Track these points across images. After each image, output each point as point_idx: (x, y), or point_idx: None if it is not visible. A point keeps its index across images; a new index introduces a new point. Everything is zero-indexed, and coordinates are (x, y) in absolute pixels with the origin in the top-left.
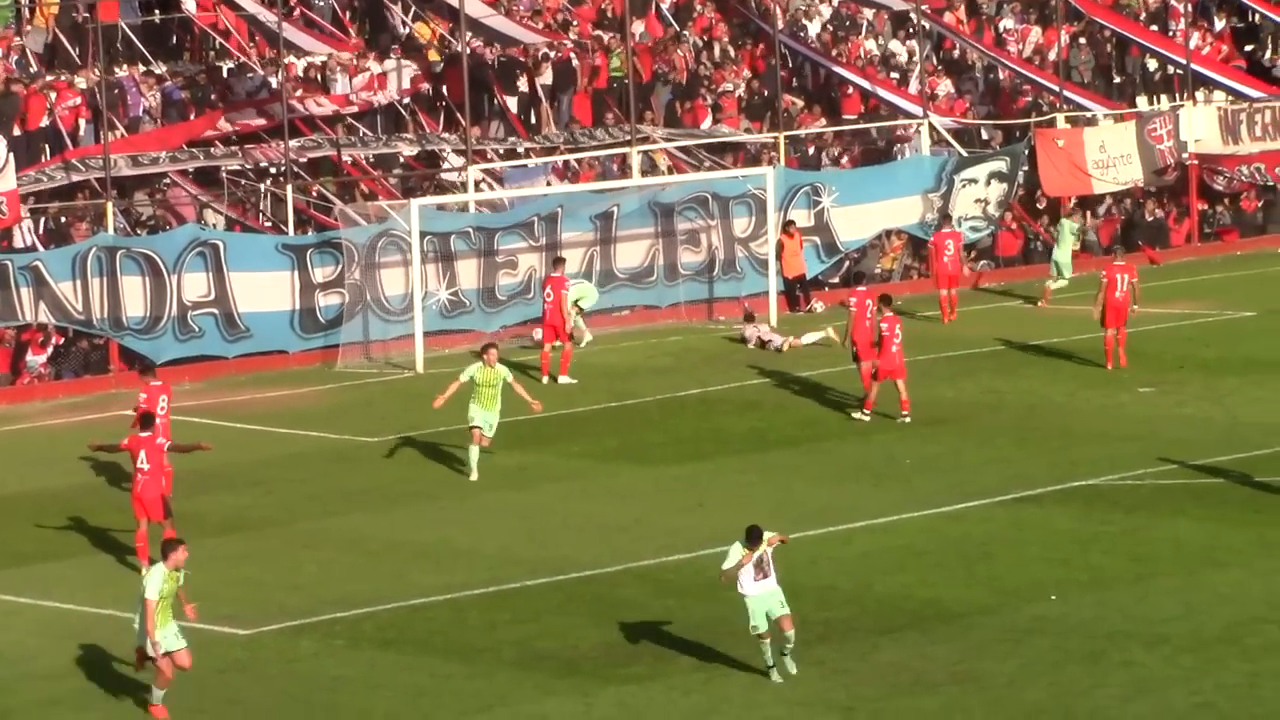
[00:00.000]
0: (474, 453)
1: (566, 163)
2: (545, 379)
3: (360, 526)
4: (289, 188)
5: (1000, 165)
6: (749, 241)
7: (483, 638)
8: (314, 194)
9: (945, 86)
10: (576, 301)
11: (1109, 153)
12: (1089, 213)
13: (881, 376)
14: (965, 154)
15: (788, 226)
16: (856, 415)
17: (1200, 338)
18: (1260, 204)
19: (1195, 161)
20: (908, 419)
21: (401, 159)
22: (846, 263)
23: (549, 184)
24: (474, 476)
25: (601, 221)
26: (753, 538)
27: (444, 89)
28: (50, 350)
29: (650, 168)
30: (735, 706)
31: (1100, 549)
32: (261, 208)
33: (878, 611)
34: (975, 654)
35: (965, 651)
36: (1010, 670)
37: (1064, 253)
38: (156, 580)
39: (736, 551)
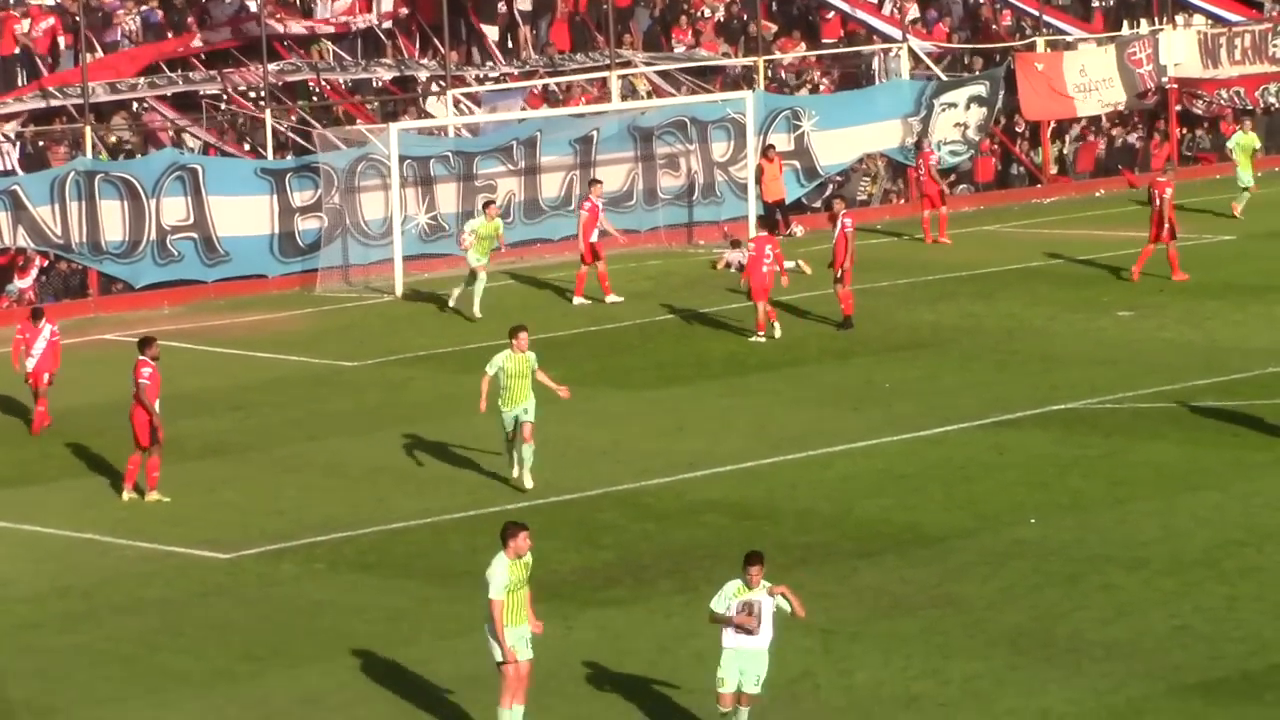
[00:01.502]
0: (528, 454)
1: (546, 87)
2: (577, 300)
3: (340, 451)
4: (268, 112)
5: (980, 89)
6: (728, 166)
7: (463, 561)
8: (293, 118)
9: (925, 11)
10: (474, 230)
11: (1089, 76)
12: (1066, 136)
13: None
14: (945, 78)
15: (767, 151)
16: (754, 341)
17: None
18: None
19: (1174, 86)
20: (761, 338)
21: (379, 84)
22: (829, 187)
23: (523, 108)
24: (529, 484)
25: (580, 146)
26: (751, 565)
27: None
28: (35, 274)
29: (630, 92)
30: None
31: (1079, 472)
32: (241, 130)
33: (857, 535)
34: (954, 577)
35: (944, 575)
36: (989, 593)
37: (1244, 165)
38: (500, 574)
39: (730, 589)
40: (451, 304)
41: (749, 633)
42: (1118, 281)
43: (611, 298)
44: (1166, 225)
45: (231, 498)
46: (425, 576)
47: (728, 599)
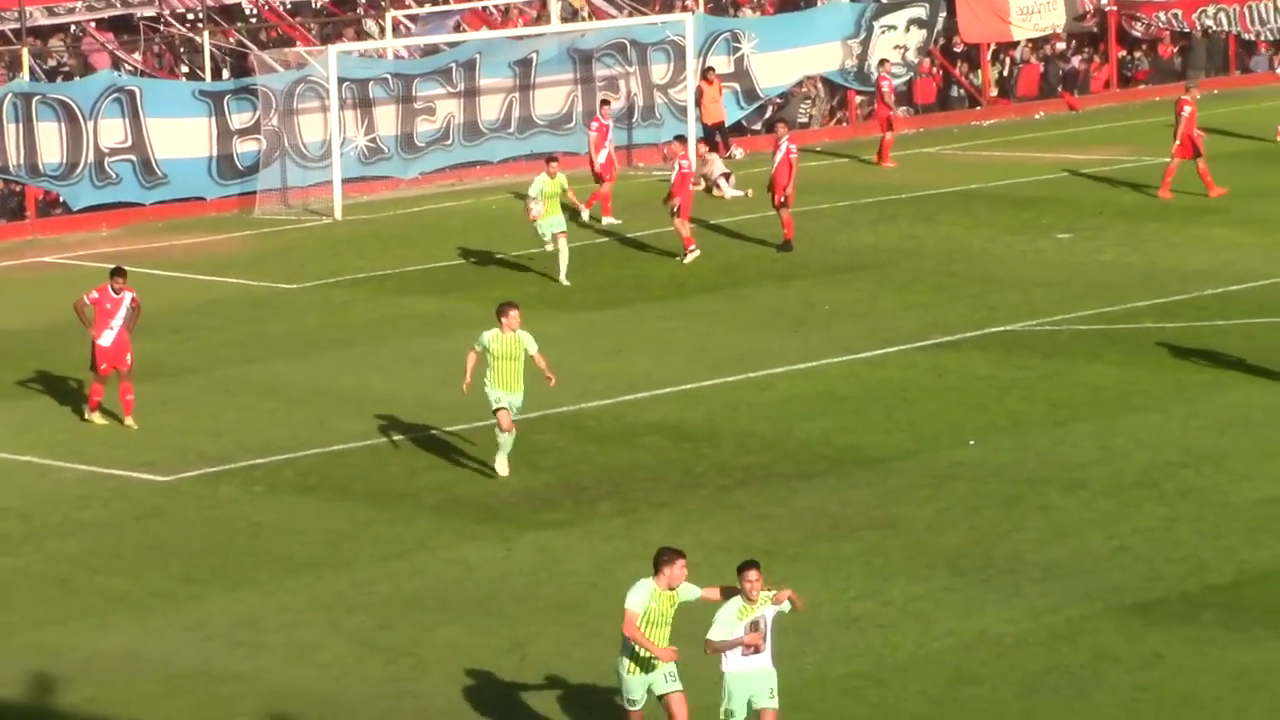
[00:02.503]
0: (505, 440)
1: (485, 9)
2: (585, 212)
3: (280, 373)
4: (205, 34)
5: (919, 11)
6: (668, 88)
7: (403, 483)
8: (230, 40)
9: None
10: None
11: None
12: (1008, 57)
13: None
14: (884, 0)
15: (707, 73)
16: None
17: (1120, 184)
18: (1176, 50)
19: (1114, 8)
20: (694, 253)
21: (318, 5)
22: (769, 109)
23: (458, 27)
24: (504, 471)
25: (520, 68)
26: (748, 570)
27: None
28: None
29: (570, 14)
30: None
31: (1018, 394)
32: (178, 53)
33: (797, 456)
34: (894, 499)
35: (884, 496)
36: (929, 515)
37: None
38: (640, 600)
39: (730, 612)
40: (565, 283)
41: (757, 651)
42: (1057, 203)
43: (609, 220)
44: (1190, 143)
45: (170, 420)
46: (365, 499)
47: (729, 623)
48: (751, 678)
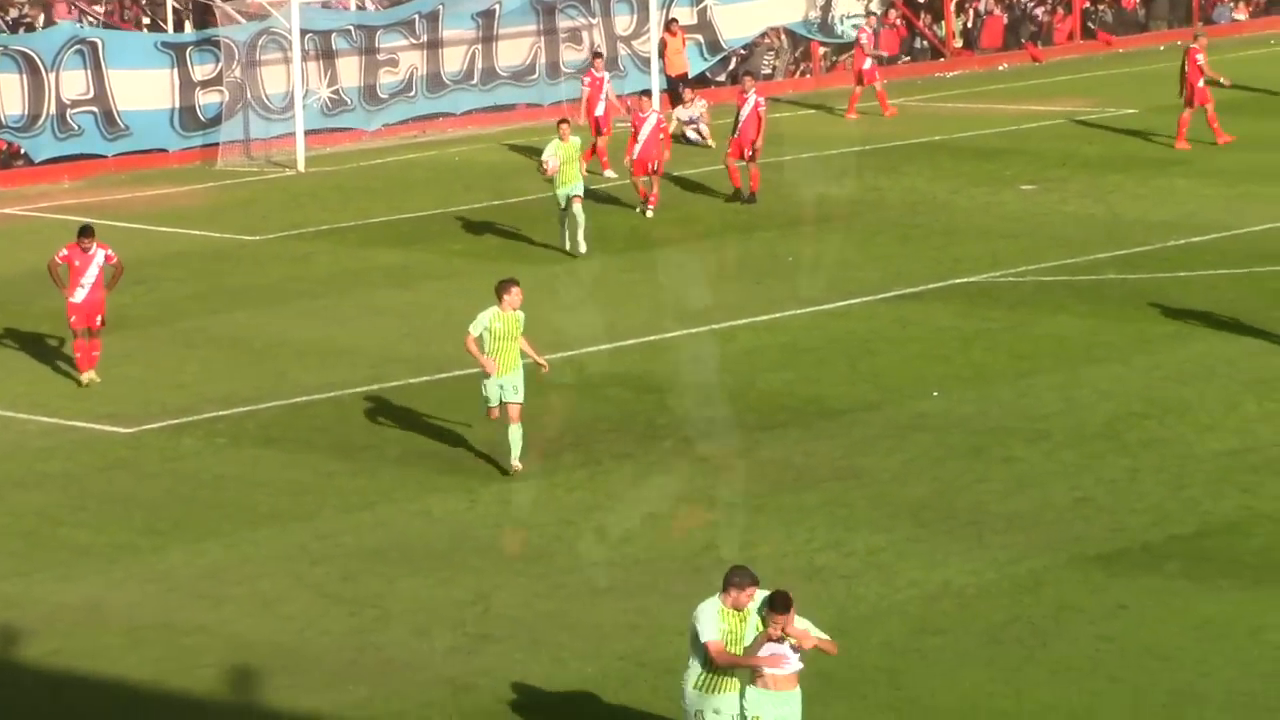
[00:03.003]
0: (515, 433)
1: None
2: (608, 172)
3: (242, 325)
4: None
5: None
6: (631, 40)
7: (366, 436)
8: None
9: None
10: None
11: None
12: (972, 8)
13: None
14: None
15: (670, 24)
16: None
17: (1083, 135)
18: (1140, 1)
19: None
20: (648, 211)
21: None
22: (732, 60)
23: None
24: (518, 466)
25: (483, 19)
26: (776, 607)
27: None
28: None
29: None
30: (618, 502)
31: (982, 345)
32: (141, 4)
33: (760, 408)
34: (858, 450)
35: (848, 448)
36: (893, 466)
37: None
38: (711, 624)
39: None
40: (582, 249)
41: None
42: (1020, 155)
43: (609, 173)
44: (1199, 92)
45: (133, 372)
46: (328, 450)
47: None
48: (775, 704)
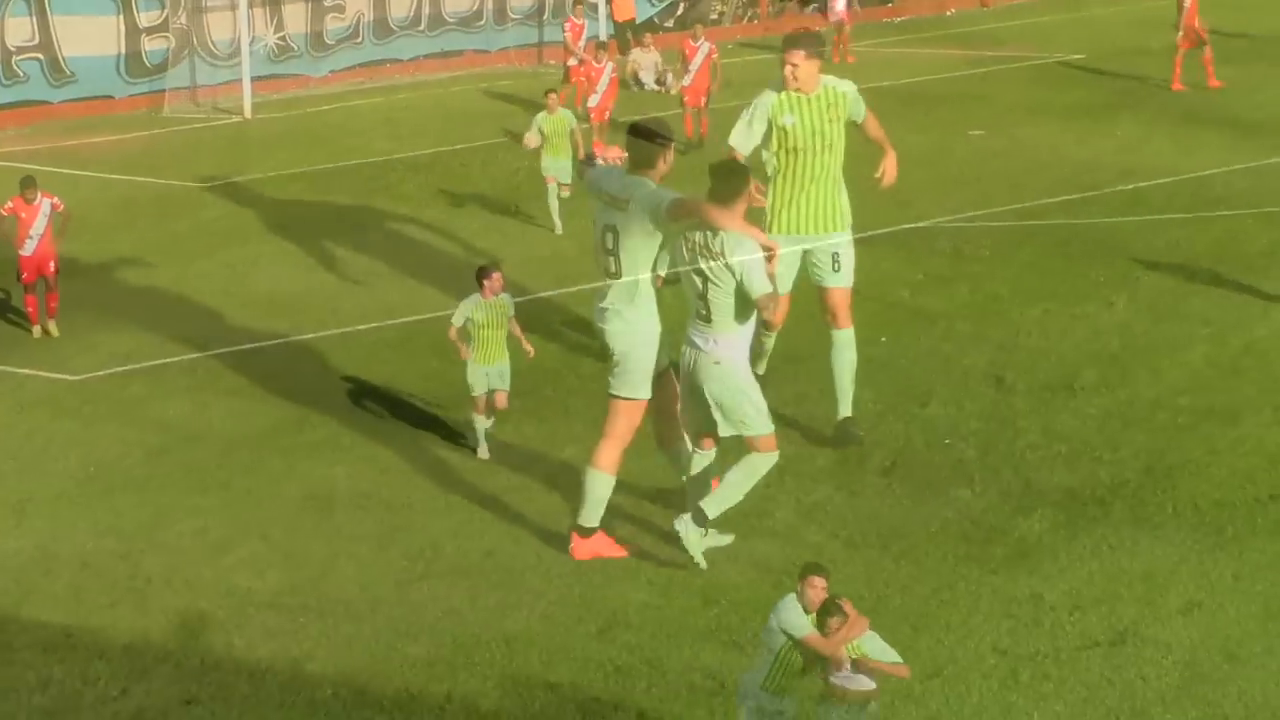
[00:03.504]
0: (480, 424)
1: None
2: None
3: (190, 272)
4: None
5: None
6: None
7: (313, 382)
8: None
9: None
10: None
11: None
12: None
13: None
14: None
15: None
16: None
17: (1032, 79)
18: None
19: None
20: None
21: None
22: (680, 6)
23: None
24: (484, 454)
25: None
26: (824, 612)
27: None
28: None
29: None
30: (580, 448)
31: (930, 292)
32: None
33: None
34: (807, 399)
35: (796, 395)
36: (831, 414)
37: None
38: (799, 620)
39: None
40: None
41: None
42: (969, 100)
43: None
44: (1194, 32)
45: (80, 319)
46: (276, 397)
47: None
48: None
